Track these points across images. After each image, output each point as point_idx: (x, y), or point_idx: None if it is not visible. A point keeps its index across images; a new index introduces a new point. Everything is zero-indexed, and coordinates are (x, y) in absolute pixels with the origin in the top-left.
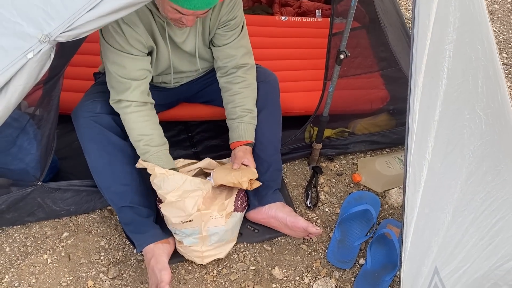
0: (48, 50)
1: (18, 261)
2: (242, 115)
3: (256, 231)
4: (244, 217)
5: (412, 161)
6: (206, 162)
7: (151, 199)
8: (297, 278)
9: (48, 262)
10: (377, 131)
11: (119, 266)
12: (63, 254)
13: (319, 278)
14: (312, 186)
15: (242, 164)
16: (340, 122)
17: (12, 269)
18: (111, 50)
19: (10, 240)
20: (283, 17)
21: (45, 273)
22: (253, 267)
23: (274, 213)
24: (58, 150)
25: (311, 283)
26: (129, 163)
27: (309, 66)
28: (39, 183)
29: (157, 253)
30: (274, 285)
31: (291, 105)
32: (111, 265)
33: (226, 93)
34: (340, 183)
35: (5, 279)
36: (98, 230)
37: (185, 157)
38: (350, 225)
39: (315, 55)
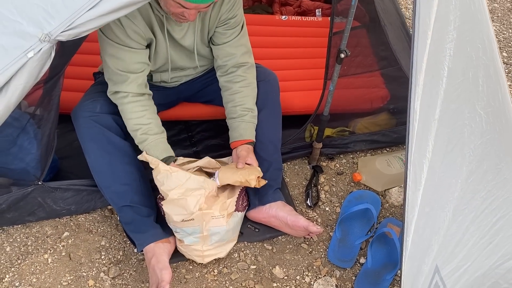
0: (48, 49)
1: (19, 261)
2: (242, 114)
3: (257, 230)
4: (245, 216)
5: (412, 160)
6: (206, 160)
7: (151, 198)
8: (298, 277)
9: (49, 262)
10: (378, 130)
11: (120, 266)
12: (63, 254)
13: (319, 277)
14: (312, 185)
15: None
16: (341, 121)
17: (12, 269)
18: (110, 43)
19: (11, 240)
20: (283, 17)
21: (46, 272)
22: (254, 266)
23: (275, 212)
24: (59, 149)
25: (312, 282)
26: (129, 163)
27: (309, 65)
28: (39, 183)
29: (158, 252)
30: (274, 284)
31: (291, 104)
32: (111, 265)
33: (226, 92)
34: (341, 182)
35: (6, 279)
36: (99, 229)
37: (185, 156)
38: (351, 224)
39: (315, 54)
